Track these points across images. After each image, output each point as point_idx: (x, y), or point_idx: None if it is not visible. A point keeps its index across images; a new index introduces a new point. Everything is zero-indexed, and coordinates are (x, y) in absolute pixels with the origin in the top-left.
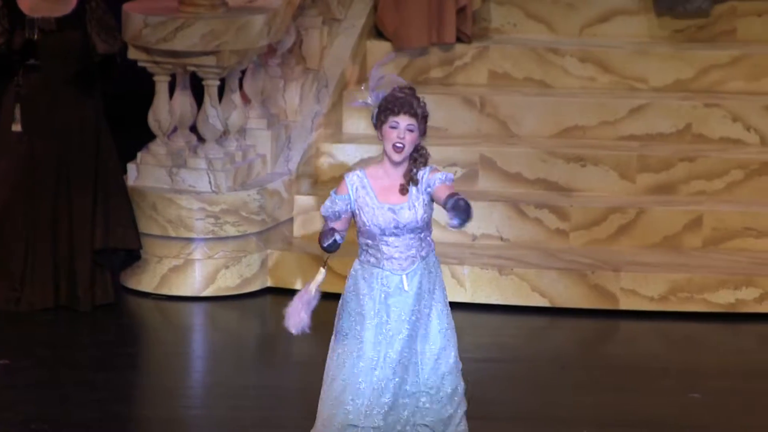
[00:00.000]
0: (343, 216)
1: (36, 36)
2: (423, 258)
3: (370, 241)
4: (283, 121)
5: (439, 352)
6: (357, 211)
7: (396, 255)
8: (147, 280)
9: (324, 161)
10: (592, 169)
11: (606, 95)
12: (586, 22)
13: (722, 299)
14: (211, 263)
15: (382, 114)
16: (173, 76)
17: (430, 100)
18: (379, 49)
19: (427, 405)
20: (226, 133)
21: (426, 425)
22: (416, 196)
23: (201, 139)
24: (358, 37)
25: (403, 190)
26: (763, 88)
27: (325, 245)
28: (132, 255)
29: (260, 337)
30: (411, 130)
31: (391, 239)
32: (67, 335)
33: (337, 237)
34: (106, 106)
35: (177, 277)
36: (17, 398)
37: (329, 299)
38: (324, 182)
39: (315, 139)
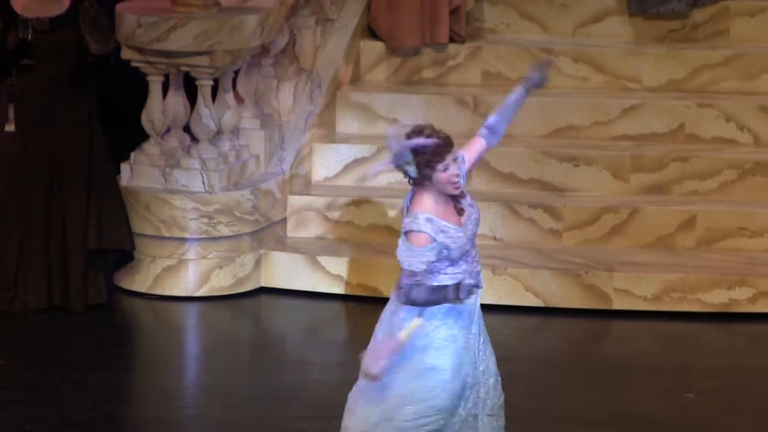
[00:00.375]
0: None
1: (29, 36)
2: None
3: (456, 264)
4: (277, 121)
5: (486, 341)
6: (445, 251)
7: (477, 262)
8: (140, 280)
9: (317, 161)
10: (585, 169)
11: (599, 95)
12: (579, 22)
13: (716, 299)
14: (204, 263)
15: (428, 168)
16: (167, 76)
17: (423, 100)
18: (372, 49)
19: (489, 394)
20: (219, 133)
21: (491, 415)
22: (466, 202)
23: (194, 139)
24: (351, 37)
25: (461, 212)
26: (756, 88)
27: (464, 296)
28: (125, 255)
29: (254, 337)
30: (456, 159)
31: (473, 251)
32: (60, 335)
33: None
34: (99, 106)
35: (170, 277)
36: (11, 399)
37: (325, 299)
38: (317, 182)
39: (308, 139)
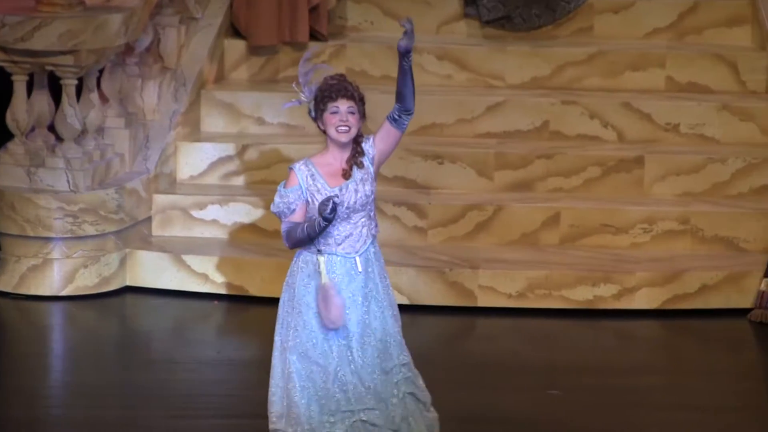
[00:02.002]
0: (297, 209)
1: None
2: (373, 236)
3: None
4: (141, 120)
5: (395, 330)
6: (309, 200)
7: (350, 236)
8: (5, 279)
9: (182, 160)
10: (449, 167)
11: (463, 93)
12: (443, 19)
13: (580, 296)
14: (69, 262)
15: (321, 103)
16: (31, 76)
17: (286, 99)
18: (236, 47)
19: (404, 377)
20: (84, 132)
21: (411, 393)
22: (364, 172)
23: (59, 139)
24: (216, 35)
25: (347, 174)
26: (619, 85)
27: (320, 227)
28: None
29: (120, 336)
30: (352, 113)
31: (343, 222)
32: None
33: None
34: None
35: (35, 277)
36: None
37: (190, 298)
38: (182, 181)
39: (173, 137)
